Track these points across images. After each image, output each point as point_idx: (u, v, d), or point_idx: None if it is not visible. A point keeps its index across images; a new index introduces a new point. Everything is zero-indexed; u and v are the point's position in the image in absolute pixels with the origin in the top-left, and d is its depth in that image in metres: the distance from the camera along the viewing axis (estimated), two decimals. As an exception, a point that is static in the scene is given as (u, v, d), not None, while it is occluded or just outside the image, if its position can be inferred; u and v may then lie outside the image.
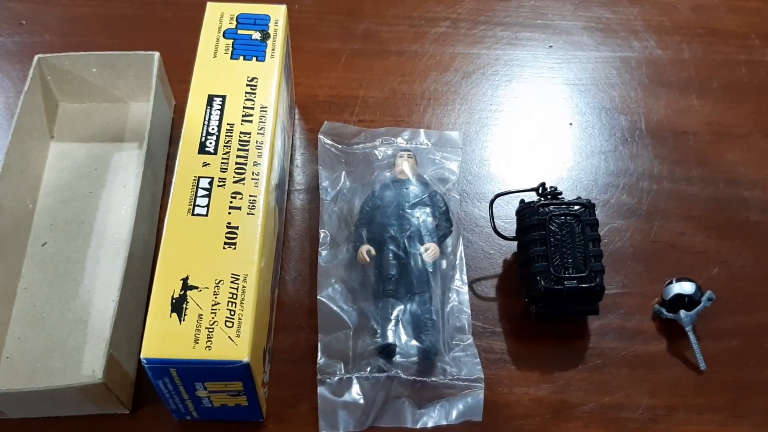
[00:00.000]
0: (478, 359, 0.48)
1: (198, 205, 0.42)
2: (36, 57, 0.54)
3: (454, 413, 0.47)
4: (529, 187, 0.53)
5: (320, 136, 0.57)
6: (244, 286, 0.40)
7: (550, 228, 0.49)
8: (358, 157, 0.56)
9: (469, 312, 0.51)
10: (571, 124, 0.61)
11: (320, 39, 0.65)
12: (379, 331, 0.48)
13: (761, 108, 0.63)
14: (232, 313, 0.39)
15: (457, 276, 0.52)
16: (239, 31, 0.50)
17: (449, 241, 0.53)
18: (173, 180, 0.43)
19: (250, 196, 0.43)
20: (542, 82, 0.64)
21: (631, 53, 0.66)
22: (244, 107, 0.46)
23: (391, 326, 0.48)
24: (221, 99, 0.46)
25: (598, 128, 0.61)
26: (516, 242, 0.52)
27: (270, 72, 0.48)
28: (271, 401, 0.47)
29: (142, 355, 0.38)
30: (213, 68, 0.48)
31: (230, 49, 0.49)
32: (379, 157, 0.55)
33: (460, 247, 0.53)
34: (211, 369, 0.39)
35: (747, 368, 0.50)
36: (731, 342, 0.51)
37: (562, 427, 0.48)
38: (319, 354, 0.48)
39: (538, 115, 0.62)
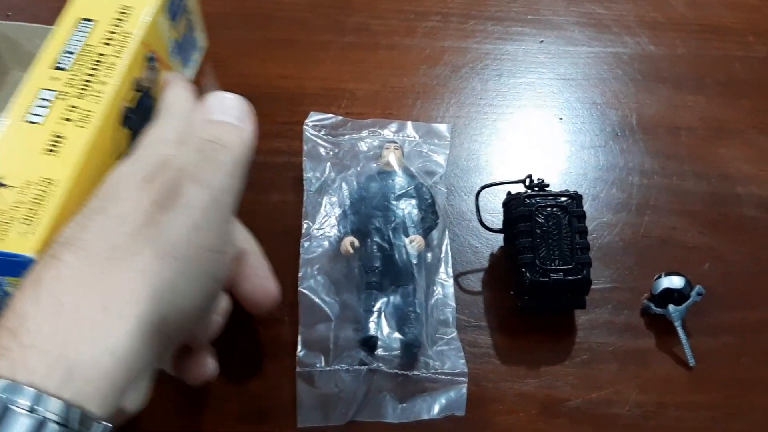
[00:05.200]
0: (462, 353, 0.47)
1: (34, 114, 0.43)
2: None
3: (437, 407, 0.46)
4: (516, 179, 0.52)
5: (305, 126, 0.56)
6: (52, 191, 0.40)
7: (537, 219, 0.48)
8: (343, 148, 0.55)
9: (454, 305, 0.49)
10: (561, 118, 0.60)
11: (311, 31, 0.64)
12: (361, 323, 0.47)
13: (757, 104, 0.62)
14: (34, 212, 0.39)
15: (443, 269, 0.51)
16: None
17: (435, 233, 0.52)
18: (20, 89, 0.43)
19: (87, 110, 0.43)
20: (532, 76, 0.63)
21: (624, 49, 0.65)
22: (109, 32, 0.46)
23: (373, 318, 0.47)
24: (90, 23, 0.46)
25: (588, 123, 0.60)
26: (502, 235, 0.51)
27: (147, 2, 0.48)
28: (250, 395, 0.46)
29: None
30: None
31: None
32: (365, 149, 0.54)
33: (446, 240, 0.52)
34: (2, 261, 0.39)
35: (740, 365, 0.49)
36: (724, 338, 0.50)
37: (548, 423, 0.46)
38: (299, 346, 0.47)
39: (528, 110, 0.61)
